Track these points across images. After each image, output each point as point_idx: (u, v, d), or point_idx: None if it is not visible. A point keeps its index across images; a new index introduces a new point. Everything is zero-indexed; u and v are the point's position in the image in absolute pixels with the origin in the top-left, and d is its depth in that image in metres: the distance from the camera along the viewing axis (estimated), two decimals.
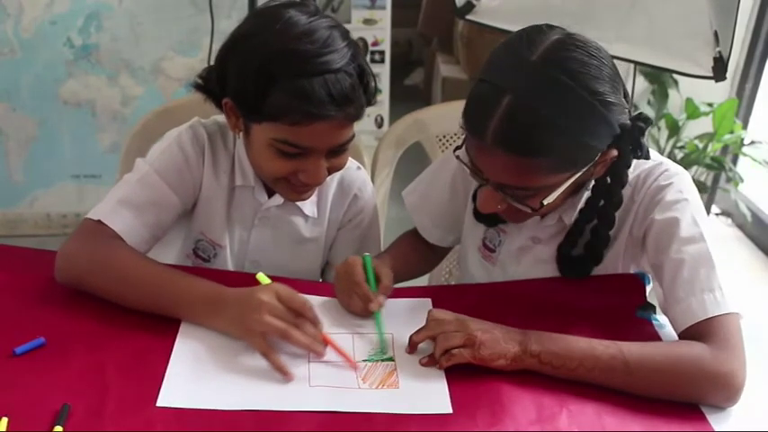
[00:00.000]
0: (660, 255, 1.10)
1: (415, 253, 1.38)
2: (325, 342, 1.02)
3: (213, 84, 1.16)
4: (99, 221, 1.13)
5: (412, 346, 1.04)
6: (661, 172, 1.13)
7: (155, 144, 1.25)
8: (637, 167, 1.14)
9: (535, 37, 1.00)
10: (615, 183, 1.11)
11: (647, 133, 1.08)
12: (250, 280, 1.06)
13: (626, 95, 1.06)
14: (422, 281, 1.60)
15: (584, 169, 1.04)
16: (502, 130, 0.98)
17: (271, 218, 1.29)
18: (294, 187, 1.18)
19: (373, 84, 1.14)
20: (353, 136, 1.16)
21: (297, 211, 1.30)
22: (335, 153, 1.15)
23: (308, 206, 1.31)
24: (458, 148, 1.10)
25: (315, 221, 1.33)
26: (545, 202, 1.05)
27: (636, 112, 1.08)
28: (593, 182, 1.14)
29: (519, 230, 1.24)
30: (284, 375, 0.97)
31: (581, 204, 1.16)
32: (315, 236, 1.34)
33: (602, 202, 1.13)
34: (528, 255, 1.24)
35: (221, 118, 1.26)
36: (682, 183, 1.12)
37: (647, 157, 1.10)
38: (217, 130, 1.26)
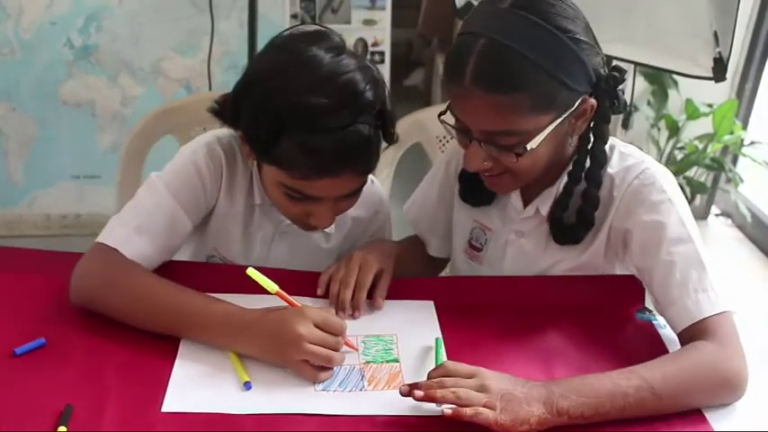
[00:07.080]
0: (649, 257, 1.09)
1: (416, 259, 1.40)
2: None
3: (228, 114, 1.14)
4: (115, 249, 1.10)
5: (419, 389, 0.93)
6: (642, 170, 1.13)
7: (168, 163, 1.21)
8: (615, 165, 1.15)
9: None
10: (597, 139, 1.12)
11: (622, 86, 1.10)
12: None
13: (599, 48, 1.09)
14: None
15: (566, 115, 1.05)
16: (478, 69, 1.02)
17: (290, 233, 1.28)
18: (306, 225, 1.18)
19: (393, 128, 1.14)
20: (365, 182, 1.16)
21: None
22: (346, 197, 1.15)
23: None
24: (441, 113, 1.11)
25: (333, 234, 1.33)
26: (528, 147, 1.04)
27: (611, 66, 1.11)
28: (569, 169, 1.15)
29: (503, 225, 1.25)
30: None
31: (561, 185, 1.16)
32: (331, 247, 1.34)
33: (587, 164, 1.13)
34: (512, 248, 1.25)
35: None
36: (664, 182, 1.12)
37: (625, 108, 1.12)
38: (234, 146, 1.23)
